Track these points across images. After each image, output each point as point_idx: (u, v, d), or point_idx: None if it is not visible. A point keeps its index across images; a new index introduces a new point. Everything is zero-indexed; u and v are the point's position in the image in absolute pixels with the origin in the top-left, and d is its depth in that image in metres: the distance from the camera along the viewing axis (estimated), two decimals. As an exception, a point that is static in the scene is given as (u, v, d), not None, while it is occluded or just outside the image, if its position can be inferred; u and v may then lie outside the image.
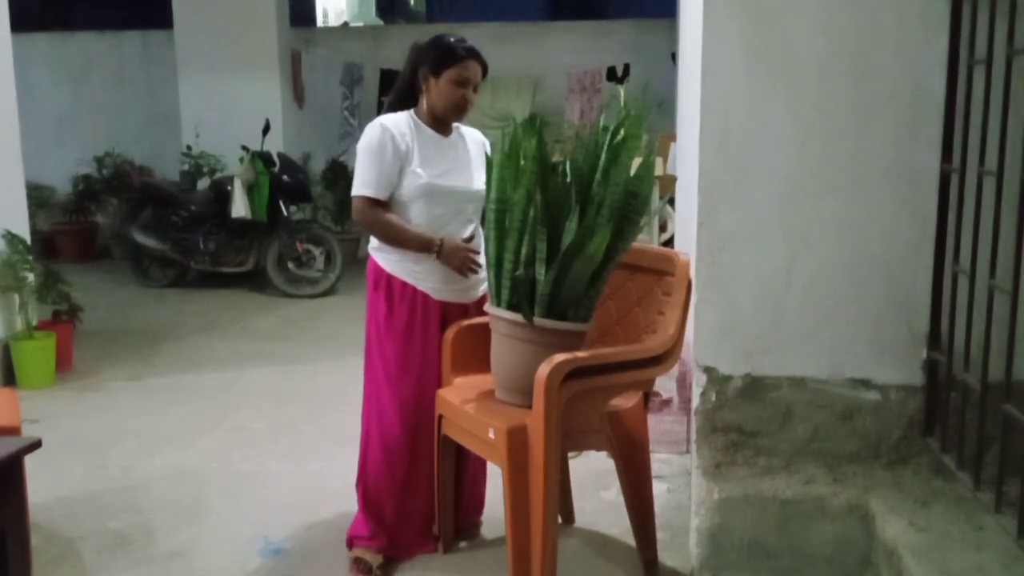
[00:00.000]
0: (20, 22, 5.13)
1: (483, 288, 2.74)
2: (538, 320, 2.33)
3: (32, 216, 5.43)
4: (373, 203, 2.62)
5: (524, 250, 2.34)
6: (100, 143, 9.16)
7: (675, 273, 2.49)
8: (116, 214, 8.74)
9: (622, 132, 2.32)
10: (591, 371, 2.30)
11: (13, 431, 2.62)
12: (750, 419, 2.37)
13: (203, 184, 7.82)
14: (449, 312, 2.69)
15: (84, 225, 9.09)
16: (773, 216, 2.31)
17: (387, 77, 8.57)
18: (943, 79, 2.21)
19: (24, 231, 4.85)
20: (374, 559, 2.66)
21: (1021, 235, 1.84)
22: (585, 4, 15.22)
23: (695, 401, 2.41)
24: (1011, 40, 1.98)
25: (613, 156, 2.30)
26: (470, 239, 2.69)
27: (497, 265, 2.41)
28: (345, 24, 13.19)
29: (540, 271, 2.32)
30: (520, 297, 2.34)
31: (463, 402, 2.52)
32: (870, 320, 2.31)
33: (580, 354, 2.31)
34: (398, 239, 2.64)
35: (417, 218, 2.64)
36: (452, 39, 2.66)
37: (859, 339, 2.32)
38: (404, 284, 2.66)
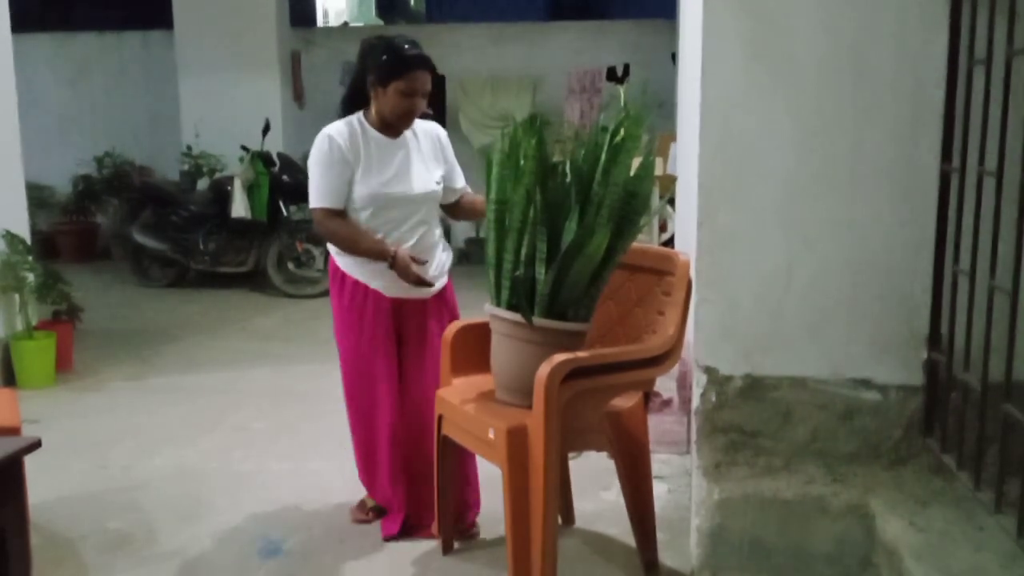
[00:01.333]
0: (20, 22, 5.13)
1: (441, 283, 2.86)
2: (538, 320, 2.33)
3: (32, 216, 5.42)
4: (331, 213, 2.74)
5: (524, 250, 2.34)
6: (100, 143, 9.15)
7: (675, 273, 2.49)
8: (116, 214, 8.74)
9: (622, 132, 2.32)
10: (591, 371, 2.30)
11: (13, 431, 2.62)
12: (750, 419, 2.37)
13: (203, 184, 7.82)
14: (404, 308, 2.82)
15: (84, 225, 9.09)
16: (773, 216, 2.31)
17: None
18: (943, 79, 2.21)
19: (24, 231, 4.85)
20: (370, 501, 3.00)
21: (1021, 235, 1.84)
22: (585, 4, 15.22)
23: (695, 401, 2.41)
24: (1011, 40, 1.98)
25: (613, 156, 2.30)
26: (424, 249, 2.78)
27: (497, 265, 2.41)
28: (345, 24, 13.19)
29: (540, 271, 2.31)
30: (520, 297, 2.34)
31: (463, 402, 2.52)
32: (870, 320, 2.31)
33: (580, 354, 2.31)
34: (354, 249, 2.74)
35: (369, 222, 2.75)
36: (402, 45, 2.69)
37: (859, 339, 2.32)
38: (356, 282, 2.79)
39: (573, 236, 2.25)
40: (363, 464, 2.96)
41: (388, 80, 2.66)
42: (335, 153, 2.71)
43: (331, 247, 2.84)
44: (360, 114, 2.79)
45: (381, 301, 2.79)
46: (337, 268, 2.84)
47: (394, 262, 2.66)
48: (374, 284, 2.78)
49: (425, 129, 2.88)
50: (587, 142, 2.37)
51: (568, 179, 2.35)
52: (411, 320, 2.84)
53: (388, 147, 2.77)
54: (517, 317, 2.35)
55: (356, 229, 2.74)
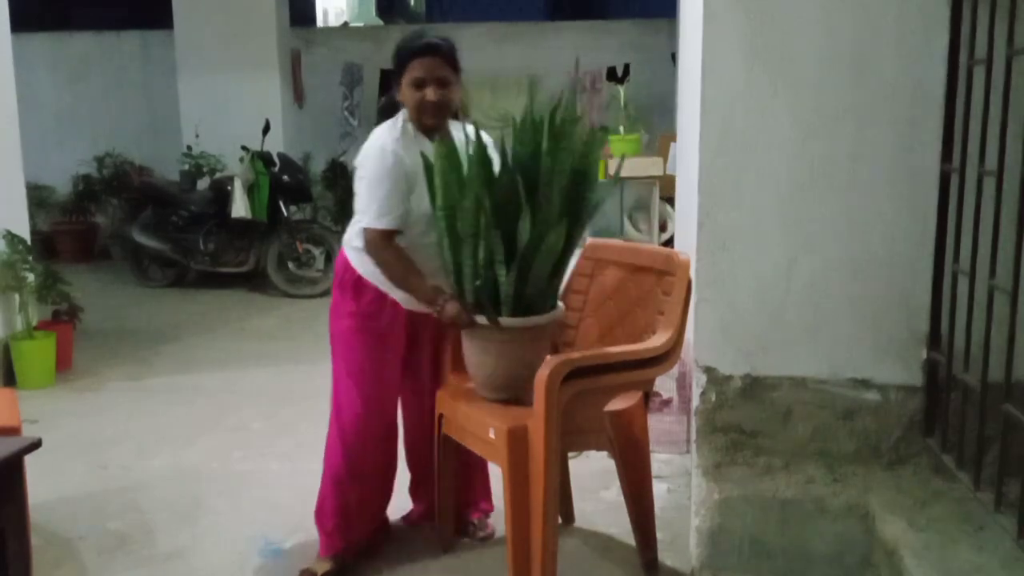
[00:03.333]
0: (20, 22, 5.13)
1: None
2: (505, 320, 2.36)
3: (32, 216, 5.43)
4: (388, 236, 2.49)
5: (481, 254, 2.33)
6: (100, 143, 9.15)
7: (675, 273, 2.48)
8: (116, 214, 8.74)
9: (559, 117, 2.32)
10: (591, 371, 2.30)
11: (13, 431, 2.62)
12: (750, 419, 2.37)
13: (203, 184, 7.81)
14: (417, 320, 2.64)
15: (84, 225, 9.08)
16: (773, 216, 2.31)
17: (387, 77, 8.56)
18: (943, 79, 2.21)
19: (24, 231, 4.85)
20: (320, 567, 2.63)
21: (1021, 235, 1.84)
22: (585, 4, 15.21)
23: (695, 401, 2.41)
24: (1011, 40, 1.98)
25: (554, 143, 2.31)
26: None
27: (456, 272, 2.41)
28: (345, 24, 13.18)
29: (501, 274, 2.32)
30: (484, 301, 2.36)
31: (463, 401, 2.52)
32: (870, 320, 2.31)
33: (580, 354, 2.31)
34: (403, 286, 2.53)
35: (418, 241, 2.52)
36: (407, 36, 2.57)
37: (859, 339, 2.32)
38: (376, 289, 2.59)
39: (529, 236, 2.25)
40: (338, 500, 2.67)
41: (400, 75, 2.53)
42: (394, 163, 2.46)
43: (349, 241, 2.61)
44: (403, 115, 2.57)
45: (399, 311, 2.61)
46: (353, 271, 2.61)
47: (443, 310, 2.42)
48: (394, 294, 2.58)
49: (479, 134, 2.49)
50: (523, 133, 2.35)
51: (515, 177, 2.30)
52: (425, 332, 2.69)
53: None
54: (484, 321, 2.36)
55: (412, 266, 2.49)
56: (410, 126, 2.54)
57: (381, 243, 2.49)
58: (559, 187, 2.27)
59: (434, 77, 2.48)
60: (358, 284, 2.61)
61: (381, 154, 2.48)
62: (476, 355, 2.47)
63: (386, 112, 2.65)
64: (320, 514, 2.70)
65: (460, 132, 2.54)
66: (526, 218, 2.24)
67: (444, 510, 2.75)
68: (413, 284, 2.50)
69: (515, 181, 2.30)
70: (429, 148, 2.45)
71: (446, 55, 2.51)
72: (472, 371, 2.52)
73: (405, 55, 2.52)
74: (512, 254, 2.28)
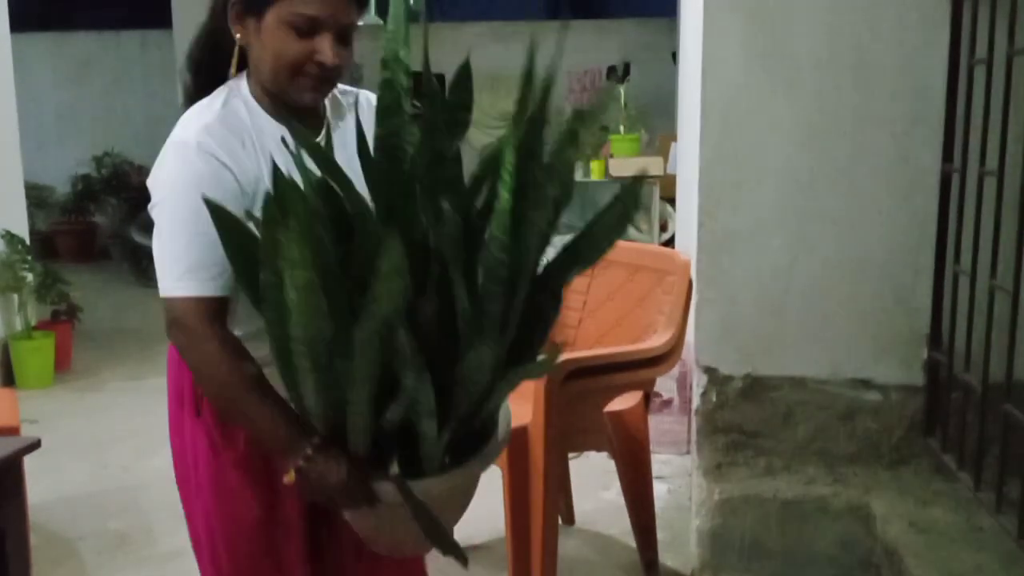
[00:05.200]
0: (19, 22, 5.12)
1: None
2: (428, 484, 1.28)
3: (31, 216, 5.42)
4: (207, 309, 1.34)
5: (392, 414, 1.24)
6: (99, 143, 9.14)
7: (675, 273, 2.48)
8: (115, 214, 8.73)
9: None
10: (591, 371, 2.30)
11: (12, 431, 2.61)
12: (751, 419, 2.36)
13: (202, 184, 7.81)
14: None
15: (83, 225, 9.07)
16: (773, 216, 2.31)
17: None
18: (943, 79, 2.20)
19: (23, 231, 4.84)
20: None
21: (1022, 235, 1.84)
22: (585, 3, 15.21)
23: (695, 401, 2.41)
24: (1012, 40, 1.98)
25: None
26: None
27: (325, 416, 1.28)
28: (344, 24, 13.18)
29: (429, 430, 1.24)
30: (393, 462, 1.32)
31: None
32: (871, 320, 2.31)
33: (580, 354, 2.31)
34: (240, 412, 1.36)
35: (245, 325, 1.39)
36: None
37: (860, 339, 2.31)
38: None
39: (488, 376, 1.22)
40: None
41: (252, 5, 1.37)
42: (209, 172, 1.34)
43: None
44: (234, 86, 1.44)
45: None
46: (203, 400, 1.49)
47: (309, 476, 1.28)
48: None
49: (352, 100, 1.55)
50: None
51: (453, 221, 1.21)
52: None
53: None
54: (395, 496, 1.26)
55: (251, 377, 1.33)
56: (252, 101, 1.43)
57: (195, 324, 1.33)
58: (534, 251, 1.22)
59: (337, 22, 1.38)
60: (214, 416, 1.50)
61: (184, 158, 1.35)
62: (361, 517, 1.37)
63: (203, 83, 1.49)
64: None
65: (345, 109, 1.53)
66: (481, 345, 1.19)
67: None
68: (253, 413, 1.33)
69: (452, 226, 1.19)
70: (282, 134, 1.36)
71: None
72: (354, 526, 1.42)
73: None
74: (443, 395, 1.23)
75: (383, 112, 1.27)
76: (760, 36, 2.26)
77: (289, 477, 1.30)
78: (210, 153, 1.35)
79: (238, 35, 1.40)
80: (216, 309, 1.34)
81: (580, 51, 8.89)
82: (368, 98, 1.56)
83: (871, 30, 2.22)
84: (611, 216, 1.27)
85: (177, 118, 1.45)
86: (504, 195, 1.15)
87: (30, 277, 4.74)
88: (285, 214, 1.11)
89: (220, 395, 1.37)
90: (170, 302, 1.35)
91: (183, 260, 1.33)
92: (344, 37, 1.40)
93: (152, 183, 1.39)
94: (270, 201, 1.14)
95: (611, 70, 6.51)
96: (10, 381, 4.63)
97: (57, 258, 8.40)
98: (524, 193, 1.17)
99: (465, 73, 1.32)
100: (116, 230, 8.11)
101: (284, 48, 1.36)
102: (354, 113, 1.50)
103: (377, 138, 1.27)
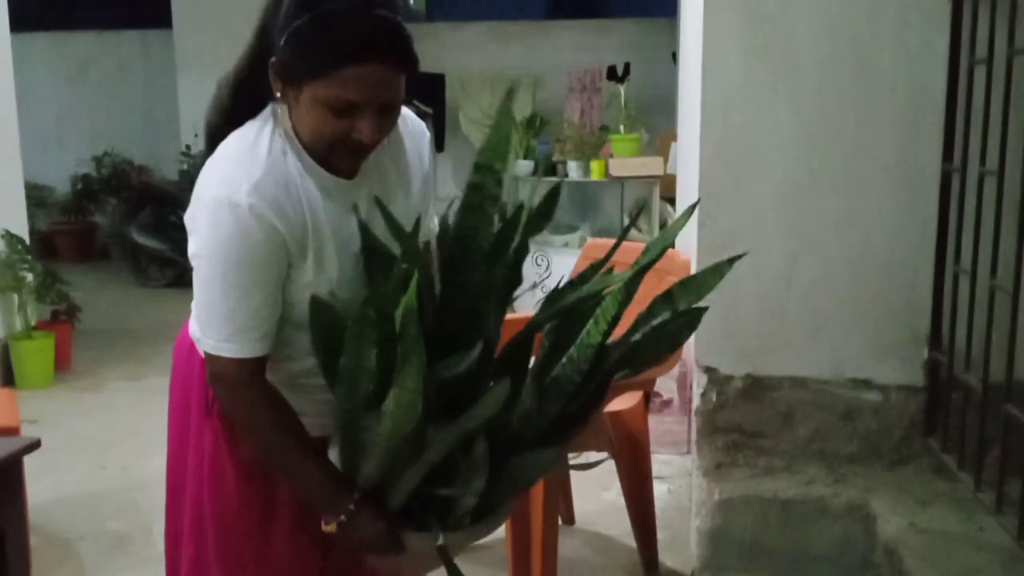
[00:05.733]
0: (19, 21, 5.12)
1: None
2: (456, 537, 1.44)
3: (31, 216, 5.42)
4: (253, 369, 1.37)
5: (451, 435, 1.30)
6: (99, 142, 9.14)
7: (675, 273, 2.48)
8: (115, 214, 8.73)
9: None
10: (591, 371, 2.30)
11: (12, 431, 2.61)
12: (751, 419, 2.36)
13: (202, 184, 7.81)
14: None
15: (83, 225, 9.07)
16: (774, 216, 2.31)
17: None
18: (944, 79, 2.20)
19: (23, 231, 4.84)
20: None
21: (1022, 235, 1.84)
22: (586, 2, 15.20)
23: (696, 401, 2.41)
24: (1012, 40, 1.98)
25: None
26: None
27: (389, 458, 1.33)
28: (344, 23, 13.15)
29: (468, 502, 1.36)
30: (429, 509, 1.40)
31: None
32: (871, 320, 2.30)
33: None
34: (283, 464, 1.43)
35: (299, 376, 1.45)
36: (331, 5, 1.25)
37: (860, 339, 2.31)
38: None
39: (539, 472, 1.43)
40: None
41: (303, 73, 1.27)
42: (262, 239, 1.31)
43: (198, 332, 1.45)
44: (276, 120, 1.37)
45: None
46: (215, 402, 1.47)
47: (348, 530, 1.38)
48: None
49: (406, 140, 1.49)
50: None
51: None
52: None
53: (344, 194, 1.39)
54: (428, 547, 1.40)
55: (295, 429, 1.40)
56: (296, 143, 1.36)
57: (237, 382, 1.37)
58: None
59: (378, 101, 1.28)
60: (231, 432, 1.49)
61: (236, 219, 1.29)
62: (387, 562, 1.48)
63: (239, 107, 1.41)
64: None
65: (396, 152, 1.46)
66: (523, 402, 1.33)
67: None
68: (294, 463, 1.40)
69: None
70: (331, 185, 1.38)
71: (404, 56, 1.29)
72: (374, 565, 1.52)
73: (329, 46, 1.24)
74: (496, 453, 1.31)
75: (466, 209, 1.36)
76: (760, 36, 2.26)
77: (329, 528, 1.38)
78: (262, 216, 1.30)
79: (278, 93, 1.34)
80: (258, 367, 1.38)
81: (580, 50, 8.90)
82: (413, 120, 1.54)
83: (871, 30, 2.22)
84: (671, 329, 1.50)
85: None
86: (594, 330, 1.34)
87: (30, 277, 4.74)
88: (378, 318, 1.25)
89: (264, 448, 1.43)
90: (214, 359, 1.38)
91: (230, 323, 1.35)
92: (388, 110, 1.32)
93: (191, 224, 1.36)
94: (366, 303, 1.25)
95: (611, 70, 6.50)
96: (10, 381, 4.63)
97: (57, 258, 8.40)
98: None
99: (556, 191, 1.44)
100: (116, 230, 8.11)
101: (322, 125, 1.30)
102: (391, 142, 1.45)
103: (456, 228, 1.36)
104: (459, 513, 1.38)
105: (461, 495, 1.34)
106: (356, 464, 1.36)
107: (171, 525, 1.61)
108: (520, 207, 1.36)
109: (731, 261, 1.47)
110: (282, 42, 1.28)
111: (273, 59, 1.31)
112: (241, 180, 1.31)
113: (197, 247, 1.34)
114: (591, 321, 1.34)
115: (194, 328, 1.47)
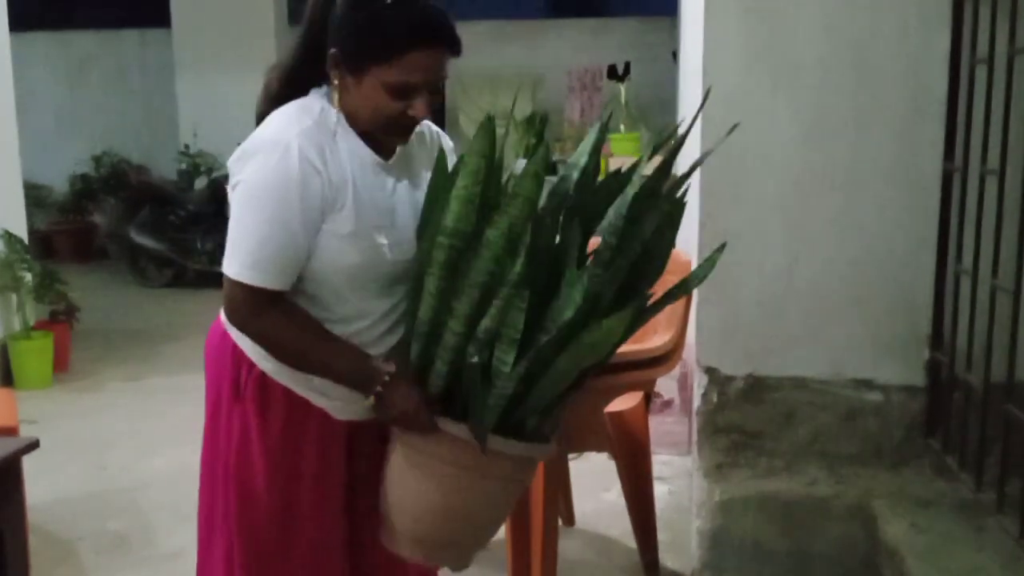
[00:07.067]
0: (18, 21, 5.11)
1: None
2: (493, 441, 1.49)
3: (29, 216, 5.41)
4: (266, 299, 1.50)
5: (486, 321, 1.44)
6: (98, 142, 9.13)
7: (675, 273, 2.47)
8: (113, 213, 8.73)
9: (639, 181, 1.53)
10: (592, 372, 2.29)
11: (11, 432, 2.61)
12: (752, 420, 2.36)
13: (201, 183, 7.80)
14: (357, 438, 1.65)
15: (81, 225, 9.06)
16: (774, 216, 2.31)
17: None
18: (945, 78, 2.20)
19: (22, 231, 4.84)
20: None
21: (1023, 234, 1.84)
22: (586, 1, 15.21)
23: (696, 402, 2.41)
24: (1012, 39, 1.98)
25: (636, 211, 1.50)
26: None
27: (429, 334, 1.51)
28: (344, 23, 13.16)
29: (505, 358, 1.45)
30: (468, 397, 1.49)
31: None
32: (872, 320, 2.30)
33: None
34: (315, 358, 1.54)
35: (333, 308, 1.56)
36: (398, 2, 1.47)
37: (861, 339, 2.31)
38: (289, 393, 1.59)
39: (574, 311, 1.42)
40: None
41: (366, 61, 1.47)
42: (301, 178, 1.46)
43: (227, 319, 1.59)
44: (324, 100, 1.54)
45: (333, 429, 1.62)
46: (250, 367, 1.60)
47: (385, 398, 1.51)
48: (319, 401, 1.60)
49: (424, 133, 1.68)
50: (584, 168, 1.55)
51: (570, 219, 1.52)
52: (369, 457, 1.66)
53: (379, 173, 1.56)
54: (462, 431, 1.49)
55: (315, 326, 1.54)
56: (347, 128, 1.54)
57: (253, 307, 1.50)
58: (626, 261, 1.47)
59: (433, 82, 1.51)
60: (262, 391, 1.59)
61: (280, 157, 1.45)
62: (413, 480, 1.56)
63: (288, 95, 1.57)
64: None
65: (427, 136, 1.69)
66: (578, 284, 1.43)
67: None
68: (326, 354, 1.53)
69: (573, 222, 1.50)
70: (369, 162, 1.55)
71: (454, 39, 1.51)
72: (395, 502, 1.59)
73: (391, 35, 1.45)
74: (531, 336, 1.44)
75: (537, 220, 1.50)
76: (760, 36, 2.25)
77: (369, 402, 1.52)
78: (305, 157, 1.46)
79: (335, 80, 1.51)
80: (273, 298, 1.50)
81: (580, 49, 8.90)
82: (431, 127, 1.71)
83: (871, 30, 2.21)
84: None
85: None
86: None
87: (28, 277, 4.74)
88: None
89: (293, 350, 1.53)
90: (233, 284, 1.51)
91: (257, 251, 1.48)
92: (438, 90, 1.53)
93: (237, 166, 1.50)
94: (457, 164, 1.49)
95: (611, 69, 6.49)
96: (8, 381, 4.62)
97: (55, 258, 8.39)
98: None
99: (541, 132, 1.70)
100: (114, 229, 8.10)
101: (381, 107, 1.49)
102: (414, 141, 1.63)
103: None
104: (500, 388, 1.45)
105: (497, 340, 1.45)
106: (401, 348, 1.56)
107: (205, 509, 1.69)
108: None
109: (720, 249, 1.61)
110: (343, 35, 1.47)
111: (333, 50, 1.49)
112: (293, 125, 1.48)
113: (240, 177, 1.49)
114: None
115: (226, 271, 1.53)
